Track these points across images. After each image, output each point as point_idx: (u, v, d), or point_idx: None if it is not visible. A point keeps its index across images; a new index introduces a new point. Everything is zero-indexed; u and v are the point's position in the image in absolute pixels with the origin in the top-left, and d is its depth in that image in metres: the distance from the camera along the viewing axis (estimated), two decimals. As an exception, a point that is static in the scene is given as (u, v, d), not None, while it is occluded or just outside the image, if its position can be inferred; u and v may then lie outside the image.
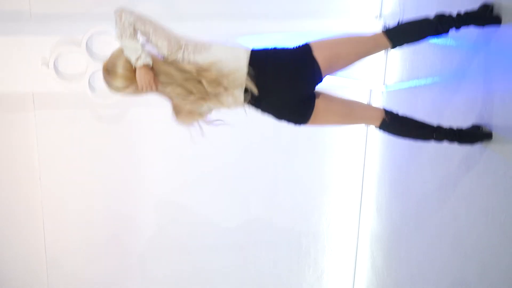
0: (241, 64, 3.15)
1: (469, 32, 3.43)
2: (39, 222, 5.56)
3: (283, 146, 5.55)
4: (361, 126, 5.45)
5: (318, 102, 3.27)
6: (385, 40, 3.25)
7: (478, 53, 3.42)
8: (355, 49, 3.28)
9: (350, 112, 3.40)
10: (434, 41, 4.06)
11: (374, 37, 3.31)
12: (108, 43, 4.69)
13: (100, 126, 5.35)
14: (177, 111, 3.25)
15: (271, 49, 3.27)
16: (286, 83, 3.19)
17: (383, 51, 3.50)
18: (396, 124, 3.39)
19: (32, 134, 5.27)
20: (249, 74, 3.15)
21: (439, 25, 3.19)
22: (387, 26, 3.33)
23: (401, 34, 3.28)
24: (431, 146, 4.09)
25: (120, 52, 3.16)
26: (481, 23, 3.21)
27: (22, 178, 5.43)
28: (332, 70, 3.26)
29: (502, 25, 3.14)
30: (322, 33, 4.47)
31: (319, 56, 3.21)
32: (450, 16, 3.21)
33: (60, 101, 5.20)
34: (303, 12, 5.06)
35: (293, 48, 3.27)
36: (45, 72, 4.68)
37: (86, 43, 4.64)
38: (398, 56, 4.80)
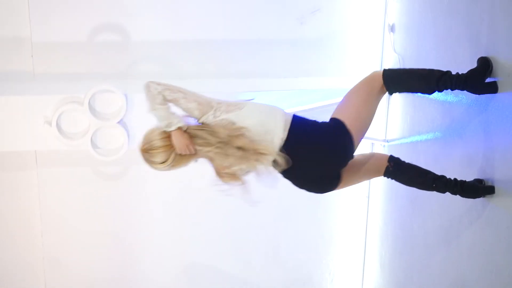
0: (277, 132, 3.16)
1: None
2: (40, 280, 5.52)
3: (285, 202, 5.54)
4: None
5: (343, 175, 3.37)
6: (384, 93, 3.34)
7: (478, 107, 3.44)
8: (371, 104, 3.34)
9: (364, 173, 3.48)
10: (435, 96, 4.09)
11: (375, 80, 3.36)
12: (110, 102, 4.74)
13: (102, 183, 5.36)
14: (218, 171, 3.23)
15: (311, 121, 3.29)
16: (320, 161, 3.22)
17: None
18: (399, 171, 3.43)
19: (35, 192, 5.27)
20: (282, 145, 3.16)
21: (440, 84, 3.21)
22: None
23: (397, 82, 3.32)
24: (433, 201, 4.08)
25: (151, 131, 3.18)
26: (477, 91, 3.26)
27: (24, 236, 5.41)
28: (361, 136, 3.33)
29: (502, 75, 3.17)
30: (328, 93, 4.54)
31: (353, 129, 3.23)
32: (449, 78, 3.23)
33: (62, 159, 5.22)
34: (303, 70, 5.12)
35: (329, 125, 3.29)
36: (47, 130, 4.71)
37: (89, 101, 4.67)
38: (399, 111, 4.83)
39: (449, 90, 3.23)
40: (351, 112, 3.28)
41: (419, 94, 3.50)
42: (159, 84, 3.08)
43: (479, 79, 3.22)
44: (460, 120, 3.71)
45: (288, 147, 3.17)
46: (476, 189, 3.33)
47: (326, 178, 3.35)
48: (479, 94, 3.28)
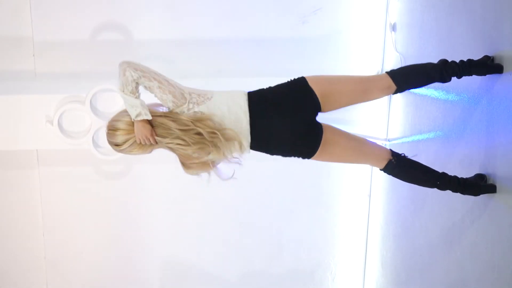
0: (243, 112, 3.19)
1: (470, 85, 3.47)
2: (42, 280, 5.53)
3: (287, 202, 5.55)
4: (365, 179, 5.46)
5: (326, 133, 3.26)
6: (389, 82, 3.26)
7: (479, 106, 3.44)
8: (353, 85, 3.30)
9: (357, 146, 3.37)
10: (436, 95, 4.09)
11: (376, 77, 3.37)
12: (112, 101, 4.75)
13: (103, 182, 5.37)
14: (184, 163, 3.25)
15: (266, 88, 3.33)
16: (286, 115, 3.20)
17: (386, 96, 3.47)
18: (402, 167, 3.36)
19: (36, 190, 5.28)
20: (251, 121, 3.19)
21: (443, 70, 3.22)
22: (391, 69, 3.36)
23: (406, 77, 3.31)
24: (434, 199, 4.08)
25: (120, 113, 3.23)
26: (483, 71, 3.23)
27: (26, 234, 5.42)
28: (330, 103, 3.27)
29: (503, 73, 3.16)
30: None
31: (315, 86, 3.24)
32: (453, 62, 3.24)
33: (64, 158, 5.23)
34: (305, 69, 5.09)
35: (288, 81, 3.32)
36: (49, 129, 4.71)
37: (90, 101, 4.68)
38: (401, 110, 4.83)
39: (456, 77, 3.24)
40: (322, 75, 3.34)
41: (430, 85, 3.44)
42: (135, 70, 3.07)
43: (481, 64, 3.23)
44: (461, 119, 3.71)
45: (255, 119, 3.20)
46: (478, 186, 3.32)
47: (302, 127, 3.23)
48: (484, 74, 3.25)
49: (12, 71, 4.96)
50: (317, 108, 3.25)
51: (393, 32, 4.96)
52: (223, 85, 4.97)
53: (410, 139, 4.61)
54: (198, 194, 5.34)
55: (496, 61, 3.21)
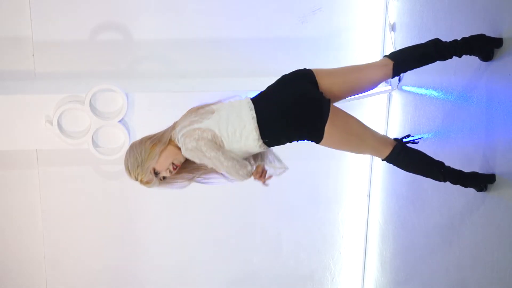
0: (248, 122, 3.20)
1: (470, 85, 3.46)
2: (41, 280, 5.53)
3: (286, 201, 5.55)
4: (364, 179, 5.47)
5: (334, 107, 3.21)
6: (385, 60, 3.30)
7: (479, 106, 3.44)
8: (353, 71, 3.38)
9: (366, 130, 3.30)
10: (435, 95, 4.09)
11: (375, 62, 3.40)
12: (111, 101, 4.75)
13: (103, 182, 5.37)
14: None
15: (265, 89, 3.37)
16: (288, 96, 3.23)
17: (386, 76, 3.40)
18: (407, 151, 3.32)
19: (36, 190, 5.28)
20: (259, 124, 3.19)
21: (439, 44, 3.24)
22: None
23: (401, 52, 3.34)
24: (434, 200, 4.08)
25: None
26: (482, 44, 3.23)
27: (25, 234, 5.42)
28: (333, 88, 3.29)
29: (503, 74, 3.17)
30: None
31: (315, 70, 3.33)
32: (450, 41, 3.26)
33: (63, 158, 5.22)
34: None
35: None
36: (49, 129, 4.71)
37: (90, 100, 4.68)
38: (400, 110, 4.83)
39: (456, 55, 3.24)
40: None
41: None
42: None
43: (480, 38, 3.24)
44: (460, 119, 3.71)
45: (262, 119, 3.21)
46: (477, 176, 3.32)
47: (307, 97, 3.23)
48: (484, 48, 3.25)
49: (11, 71, 4.96)
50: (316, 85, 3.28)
51: (392, 32, 4.97)
52: (223, 85, 4.99)
53: (409, 139, 4.61)
54: (197, 194, 5.33)
55: (496, 61, 3.21)
